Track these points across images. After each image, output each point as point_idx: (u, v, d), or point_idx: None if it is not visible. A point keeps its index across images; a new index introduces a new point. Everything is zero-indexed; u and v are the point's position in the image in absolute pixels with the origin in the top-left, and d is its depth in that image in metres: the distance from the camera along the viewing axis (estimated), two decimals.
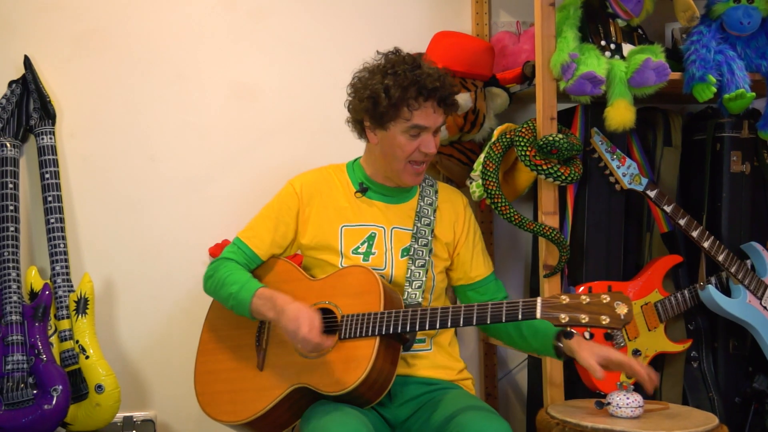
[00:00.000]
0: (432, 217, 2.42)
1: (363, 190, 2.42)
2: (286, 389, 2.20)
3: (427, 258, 2.36)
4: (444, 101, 2.30)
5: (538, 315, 2.05)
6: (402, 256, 2.37)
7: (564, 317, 2.02)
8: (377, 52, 2.37)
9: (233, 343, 2.36)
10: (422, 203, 2.44)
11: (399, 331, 2.16)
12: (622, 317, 2.00)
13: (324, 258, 2.37)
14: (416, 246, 2.37)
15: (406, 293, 2.32)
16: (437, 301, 2.43)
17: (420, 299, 2.32)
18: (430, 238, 2.39)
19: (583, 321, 2.01)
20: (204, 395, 2.34)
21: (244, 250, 2.38)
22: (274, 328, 2.31)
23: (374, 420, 2.23)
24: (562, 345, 2.23)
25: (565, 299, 2.04)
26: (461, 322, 2.16)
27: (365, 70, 2.36)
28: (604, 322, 2.00)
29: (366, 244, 2.36)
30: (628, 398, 2.19)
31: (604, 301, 2.01)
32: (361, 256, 2.35)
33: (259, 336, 2.32)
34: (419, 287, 2.33)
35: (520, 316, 2.09)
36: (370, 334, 2.16)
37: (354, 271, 2.29)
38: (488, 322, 2.13)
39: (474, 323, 2.15)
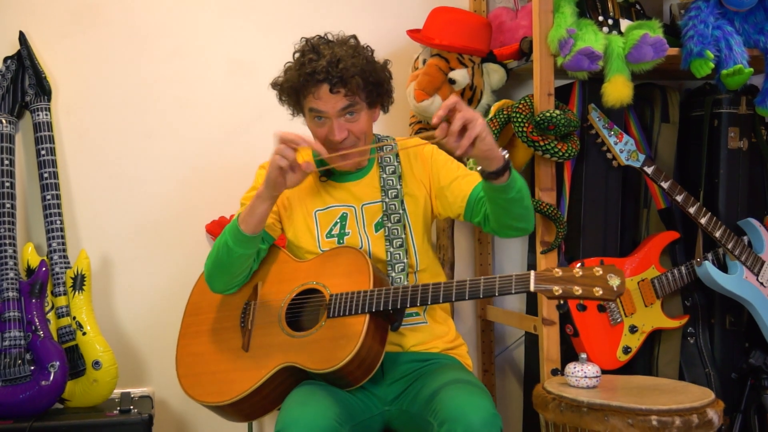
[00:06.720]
0: (399, 186, 2.34)
1: (328, 173, 2.36)
2: (272, 368, 2.17)
3: (403, 236, 2.32)
4: (336, 85, 2.19)
5: (532, 288, 2.05)
6: (377, 231, 2.33)
7: (557, 289, 2.02)
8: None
9: (216, 325, 2.32)
10: (384, 174, 2.36)
11: (390, 307, 2.15)
12: (615, 288, 2.00)
13: (303, 245, 2.33)
14: (390, 225, 2.31)
15: (390, 278, 2.29)
16: (428, 270, 2.37)
17: (405, 282, 2.29)
18: (401, 212, 2.33)
19: (577, 293, 2.02)
20: (186, 377, 2.29)
21: None
22: (259, 309, 2.28)
23: (358, 403, 2.21)
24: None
25: (558, 272, 2.04)
26: (453, 297, 2.14)
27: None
28: (597, 294, 2.01)
29: (338, 225, 2.33)
30: (583, 368, 2.23)
31: (597, 274, 2.02)
32: (336, 238, 2.32)
33: (243, 317, 2.29)
34: (402, 270, 2.30)
35: (513, 290, 2.07)
36: (359, 311, 2.14)
37: (342, 252, 2.27)
38: (481, 296, 2.11)
39: (466, 298, 2.13)
